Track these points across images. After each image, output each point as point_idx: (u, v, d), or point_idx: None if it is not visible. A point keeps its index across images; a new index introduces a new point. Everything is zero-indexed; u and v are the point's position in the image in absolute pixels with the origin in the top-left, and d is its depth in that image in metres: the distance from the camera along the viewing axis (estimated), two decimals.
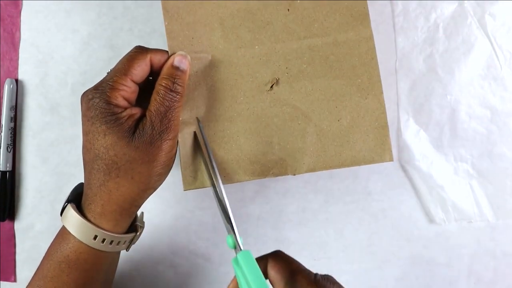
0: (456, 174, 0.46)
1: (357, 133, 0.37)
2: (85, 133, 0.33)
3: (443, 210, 0.46)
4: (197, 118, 0.36)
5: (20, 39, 0.49)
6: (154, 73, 0.35)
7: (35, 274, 0.35)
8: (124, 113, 0.32)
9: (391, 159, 0.37)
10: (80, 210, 0.34)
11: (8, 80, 0.48)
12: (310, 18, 0.37)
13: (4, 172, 0.48)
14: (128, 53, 0.34)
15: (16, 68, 0.49)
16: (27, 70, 0.49)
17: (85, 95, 0.33)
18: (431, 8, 0.45)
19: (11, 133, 0.49)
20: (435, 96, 0.46)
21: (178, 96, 0.33)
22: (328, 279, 0.32)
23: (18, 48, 0.49)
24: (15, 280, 0.51)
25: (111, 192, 0.33)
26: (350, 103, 0.37)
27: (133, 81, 0.33)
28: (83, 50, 0.49)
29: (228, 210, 0.33)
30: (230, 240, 0.34)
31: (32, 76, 0.49)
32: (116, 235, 0.34)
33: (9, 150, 0.49)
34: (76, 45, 0.49)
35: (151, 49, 0.35)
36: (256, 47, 0.37)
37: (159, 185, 0.35)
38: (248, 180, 0.38)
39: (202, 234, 0.49)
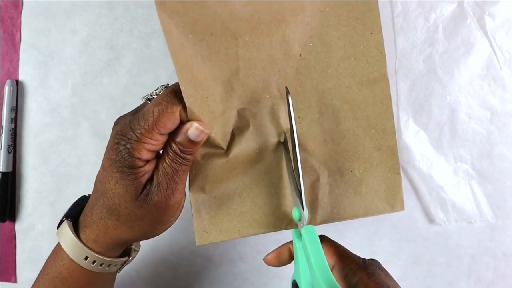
0: (456, 174, 0.46)
1: (370, 184, 0.36)
2: (103, 167, 0.32)
3: (443, 211, 0.46)
4: (286, 88, 0.33)
5: (20, 40, 0.49)
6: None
7: (32, 287, 0.35)
8: (142, 169, 0.31)
9: (402, 209, 0.36)
10: (76, 227, 0.34)
11: (8, 81, 0.48)
12: (323, 63, 0.34)
13: (4, 173, 0.49)
14: (158, 99, 0.30)
15: (17, 69, 0.49)
16: (27, 71, 0.49)
17: (113, 133, 0.31)
18: (431, 9, 0.45)
19: (11, 134, 0.49)
20: (434, 97, 0.46)
21: (186, 162, 0.32)
22: (375, 264, 0.32)
23: (19, 49, 0.49)
24: (15, 281, 0.51)
25: (108, 229, 0.32)
26: (363, 153, 0.35)
27: (161, 134, 0.30)
28: (83, 51, 0.49)
29: (301, 182, 0.32)
30: (296, 212, 0.33)
31: (33, 77, 0.49)
32: (107, 258, 0.34)
33: (9, 151, 0.49)
34: (76, 46, 0.49)
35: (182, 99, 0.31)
36: (267, 96, 0.34)
37: (158, 235, 0.35)
38: (264, 233, 0.36)
39: None
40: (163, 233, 0.49)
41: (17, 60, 0.49)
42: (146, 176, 0.31)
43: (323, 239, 0.33)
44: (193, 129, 0.31)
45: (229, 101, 0.33)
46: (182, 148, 0.31)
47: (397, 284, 0.31)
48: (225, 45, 0.32)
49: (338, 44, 0.34)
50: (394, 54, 0.46)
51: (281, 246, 0.34)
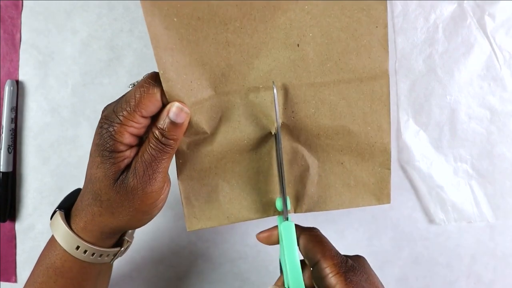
0: (456, 174, 0.46)
1: (358, 177, 0.36)
2: (90, 153, 0.32)
3: (443, 211, 0.46)
4: (273, 82, 0.33)
5: (20, 40, 0.49)
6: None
7: (28, 278, 0.36)
8: (122, 154, 0.31)
9: (388, 202, 0.36)
10: (68, 217, 0.34)
11: (8, 81, 0.48)
12: (323, 56, 0.32)
13: (4, 173, 0.49)
14: (140, 83, 0.31)
15: (17, 69, 0.49)
16: (27, 71, 0.49)
17: (101, 116, 0.32)
18: (431, 9, 0.45)
19: (11, 134, 0.49)
20: (434, 97, 0.46)
21: (168, 148, 0.31)
22: (358, 267, 0.32)
23: (19, 49, 0.49)
24: (15, 281, 0.51)
25: (94, 216, 0.32)
26: (356, 148, 0.35)
27: (143, 116, 0.31)
28: (83, 51, 0.49)
29: (283, 175, 0.33)
30: (278, 203, 0.34)
31: (33, 77, 0.49)
32: (98, 248, 0.34)
33: (9, 151, 0.49)
34: (76, 46, 0.49)
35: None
36: (261, 86, 0.33)
37: (144, 225, 0.35)
38: (252, 219, 0.37)
39: (202, 234, 0.49)
40: (163, 234, 0.49)
41: (17, 60, 0.49)
42: (126, 162, 0.31)
43: (310, 233, 0.34)
44: (174, 109, 0.30)
45: (219, 86, 0.32)
46: (164, 132, 0.31)
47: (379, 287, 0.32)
48: (213, 30, 0.30)
49: (340, 37, 0.32)
50: (394, 54, 0.46)
51: (273, 227, 0.35)
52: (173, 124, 0.31)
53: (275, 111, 0.32)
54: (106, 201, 0.32)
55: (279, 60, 0.32)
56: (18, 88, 0.49)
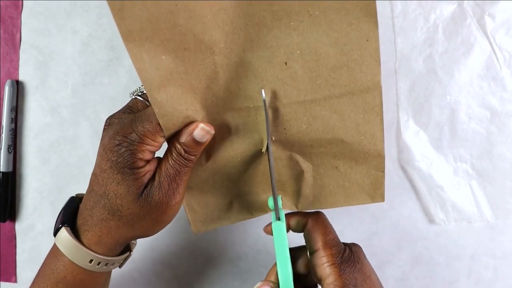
0: (456, 174, 0.46)
1: (353, 179, 0.36)
2: (100, 168, 0.32)
3: (443, 211, 0.46)
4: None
5: (20, 40, 0.49)
6: None
7: None
8: (143, 169, 0.31)
9: (382, 200, 0.37)
10: (74, 231, 0.34)
11: (8, 81, 0.49)
12: (312, 73, 0.31)
13: (4, 173, 0.49)
14: None
15: (17, 69, 0.49)
16: (27, 71, 0.49)
17: (111, 133, 0.31)
18: (431, 9, 0.45)
19: (11, 134, 0.49)
20: (434, 97, 0.46)
21: (189, 163, 0.32)
22: (352, 258, 0.33)
23: (19, 49, 0.49)
24: (15, 281, 0.51)
25: (110, 229, 0.33)
26: (350, 155, 0.35)
27: (162, 136, 0.31)
28: (83, 51, 0.49)
29: (272, 176, 0.34)
30: (270, 202, 0.35)
31: (33, 77, 0.49)
32: (110, 258, 0.34)
33: (9, 151, 0.49)
34: (76, 46, 0.49)
35: None
36: (251, 105, 0.33)
37: (157, 233, 0.35)
38: (251, 218, 0.38)
39: (202, 234, 0.49)
40: (163, 234, 0.49)
41: (17, 60, 0.49)
42: (148, 176, 0.32)
43: (317, 220, 0.35)
44: (199, 130, 0.31)
45: (211, 107, 0.32)
46: (186, 148, 0.31)
47: (369, 278, 0.33)
48: (200, 57, 0.30)
49: (329, 52, 0.31)
50: (394, 54, 0.46)
51: None
52: (195, 142, 0.31)
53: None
54: (127, 216, 0.32)
55: (267, 79, 0.32)
56: (18, 88, 0.49)
